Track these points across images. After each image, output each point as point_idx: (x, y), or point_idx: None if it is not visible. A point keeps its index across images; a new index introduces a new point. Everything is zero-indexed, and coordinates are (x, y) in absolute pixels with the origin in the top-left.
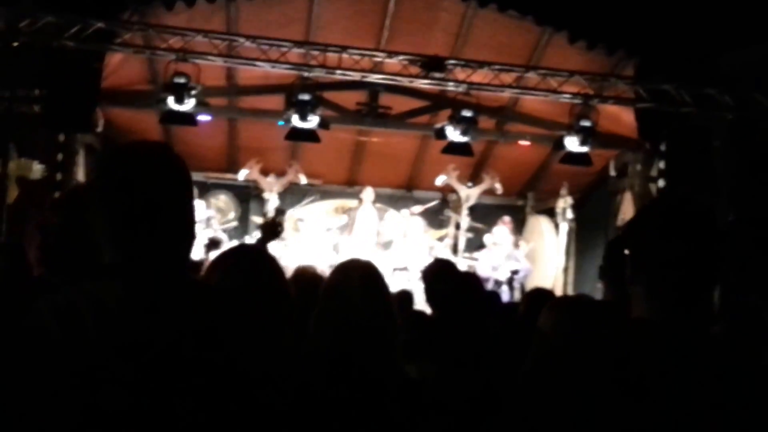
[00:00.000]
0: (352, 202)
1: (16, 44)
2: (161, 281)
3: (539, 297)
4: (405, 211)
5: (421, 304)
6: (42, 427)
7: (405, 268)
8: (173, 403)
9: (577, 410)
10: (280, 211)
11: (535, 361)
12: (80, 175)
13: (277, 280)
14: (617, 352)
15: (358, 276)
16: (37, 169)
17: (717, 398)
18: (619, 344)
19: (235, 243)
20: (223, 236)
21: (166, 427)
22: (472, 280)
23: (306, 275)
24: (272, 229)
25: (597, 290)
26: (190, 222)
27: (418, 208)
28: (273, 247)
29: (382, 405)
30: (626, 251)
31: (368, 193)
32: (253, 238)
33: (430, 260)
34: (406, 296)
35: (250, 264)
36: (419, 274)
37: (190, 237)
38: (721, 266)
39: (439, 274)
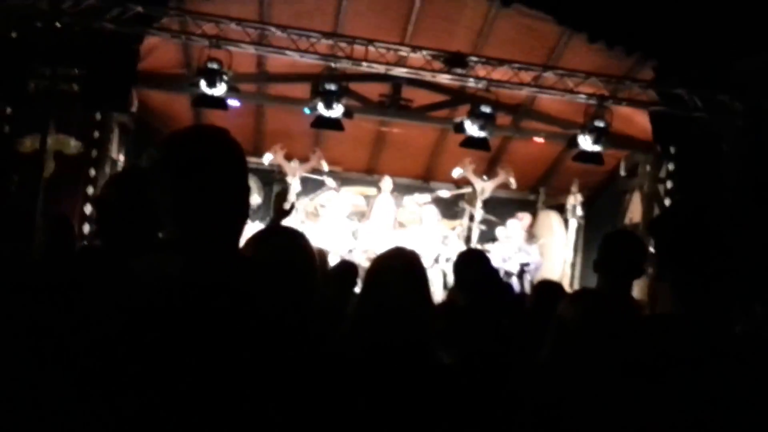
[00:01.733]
0: (370, 190)
1: (58, 25)
2: (219, 256)
3: (548, 289)
4: (418, 197)
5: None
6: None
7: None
8: (228, 371)
9: (599, 397)
10: (280, 194)
11: (555, 348)
12: (114, 152)
13: (310, 258)
14: (642, 344)
15: (401, 264)
16: (73, 145)
17: (738, 393)
18: (645, 337)
19: (257, 224)
20: None
21: (223, 395)
22: (495, 271)
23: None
24: (280, 209)
25: None
26: (245, 202)
27: (424, 198)
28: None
29: (417, 388)
30: (652, 249)
31: (387, 182)
32: None
33: (444, 249)
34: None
35: (288, 242)
36: (432, 262)
37: (244, 216)
38: (744, 267)
39: (469, 263)
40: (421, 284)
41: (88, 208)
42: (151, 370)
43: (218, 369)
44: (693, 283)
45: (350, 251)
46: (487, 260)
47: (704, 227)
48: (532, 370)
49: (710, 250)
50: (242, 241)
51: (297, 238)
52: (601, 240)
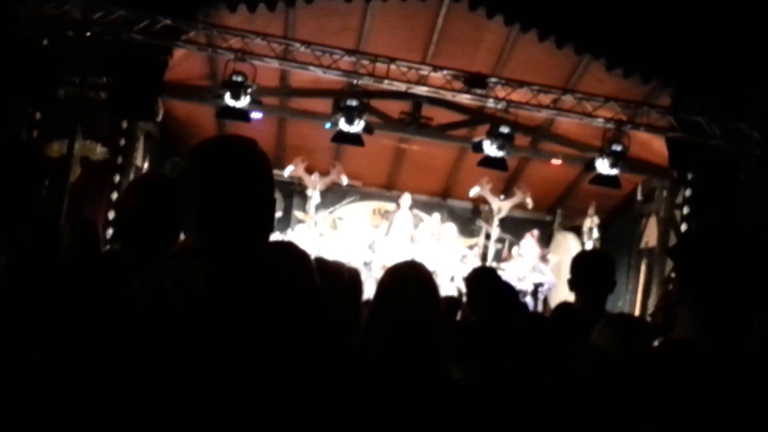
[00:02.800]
0: (389, 205)
1: (88, 34)
2: (243, 266)
3: (566, 311)
4: (438, 215)
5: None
6: (120, 390)
7: (435, 272)
8: (246, 381)
9: (629, 421)
10: None
11: (590, 373)
12: (139, 159)
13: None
14: (668, 369)
15: (413, 276)
16: (100, 151)
17: (757, 419)
18: (672, 363)
19: (277, 235)
20: None
21: (239, 402)
22: (510, 288)
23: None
24: None
25: (617, 308)
26: (270, 213)
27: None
28: (311, 242)
29: (426, 401)
30: (673, 274)
31: (406, 199)
32: (295, 231)
33: (461, 266)
34: (452, 302)
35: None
36: (449, 279)
37: (270, 227)
38: (761, 292)
39: (481, 281)
40: (432, 297)
41: (111, 214)
42: (173, 377)
43: (238, 377)
44: (713, 309)
45: (366, 264)
46: (497, 278)
47: (727, 254)
48: (565, 394)
49: (732, 276)
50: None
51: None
52: (573, 260)
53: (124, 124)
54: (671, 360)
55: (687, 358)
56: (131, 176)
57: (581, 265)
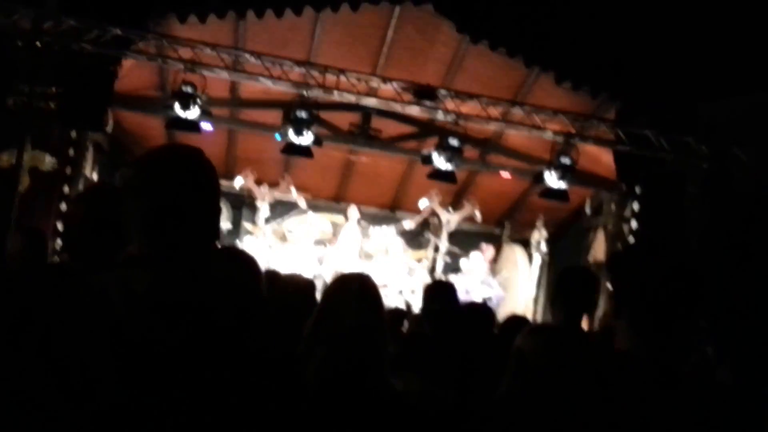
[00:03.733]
0: (338, 218)
1: (39, 44)
2: (186, 275)
3: (515, 324)
4: (387, 228)
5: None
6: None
7: (385, 285)
8: (185, 390)
9: (553, 426)
10: None
11: (514, 380)
12: (88, 170)
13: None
14: (596, 379)
15: (356, 287)
16: (48, 161)
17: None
18: (600, 373)
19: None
20: None
21: (178, 409)
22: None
23: (298, 282)
24: None
25: None
26: (215, 222)
27: (391, 230)
28: (260, 254)
29: (368, 411)
30: (610, 287)
31: (353, 211)
32: (244, 243)
33: (408, 279)
34: (397, 314)
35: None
36: (398, 292)
37: (215, 237)
38: (696, 306)
39: (436, 295)
40: (376, 308)
41: (60, 224)
42: (115, 384)
43: (179, 386)
44: (648, 323)
45: (315, 277)
46: (454, 291)
47: (661, 268)
48: (491, 403)
49: (666, 291)
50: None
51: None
52: (556, 276)
53: (74, 135)
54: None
55: (621, 371)
56: (80, 187)
57: (563, 281)
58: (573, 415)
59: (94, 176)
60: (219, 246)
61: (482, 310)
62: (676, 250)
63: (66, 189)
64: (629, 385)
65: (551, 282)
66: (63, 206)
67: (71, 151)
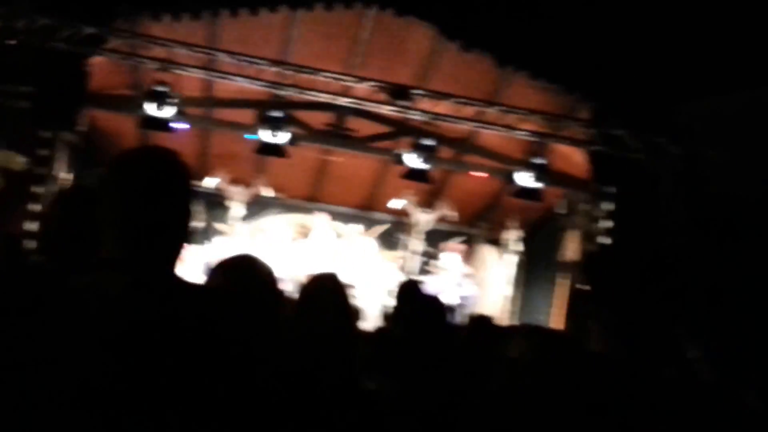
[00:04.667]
0: (311, 218)
1: (11, 42)
2: (158, 277)
3: (481, 323)
4: (358, 227)
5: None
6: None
7: (356, 285)
8: (157, 392)
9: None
10: None
11: (502, 384)
12: (60, 170)
13: (270, 285)
14: (576, 382)
15: (328, 287)
16: (20, 161)
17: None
18: (581, 376)
19: (197, 247)
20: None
21: (152, 410)
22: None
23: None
24: None
25: (539, 321)
26: (186, 225)
27: (362, 229)
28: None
29: (339, 412)
30: (585, 289)
31: (322, 218)
32: (215, 243)
33: (382, 280)
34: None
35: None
36: (370, 292)
37: (185, 238)
38: (673, 308)
39: (407, 295)
40: (344, 308)
41: (32, 225)
42: (88, 388)
43: (153, 389)
44: (624, 324)
45: (288, 278)
46: (422, 293)
47: (637, 269)
48: (480, 405)
49: (641, 291)
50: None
51: (256, 267)
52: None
53: (46, 134)
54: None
55: (597, 372)
56: (53, 187)
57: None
58: (552, 417)
59: (67, 176)
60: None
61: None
62: (651, 250)
63: (38, 189)
64: (605, 386)
65: (524, 281)
66: (35, 207)
67: (44, 151)
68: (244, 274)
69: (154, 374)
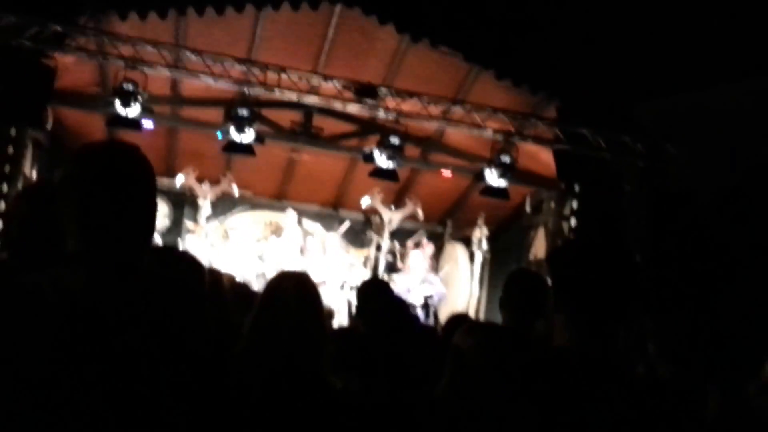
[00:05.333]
0: (280, 216)
1: None
2: (122, 271)
3: (458, 322)
4: (328, 226)
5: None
6: None
7: (323, 283)
8: (123, 386)
9: (492, 424)
10: None
11: (451, 378)
12: (27, 168)
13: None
14: (533, 375)
15: (294, 285)
16: None
17: (619, 421)
18: (536, 369)
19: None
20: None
21: (113, 410)
22: (400, 302)
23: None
24: None
25: None
26: (151, 218)
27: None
28: (202, 252)
29: (307, 410)
30: (549, 283)
31: (291, 213)
32: (185, 241)
33: (349, 276)
34: (328, 313)
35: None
36: (337, 289)
37: (150, 232)
38: (634, 301)
39: (371, 294)
40: (314, 306)
41: None
42: (47, 382)
43: (114, 385)
44: (584, 317)
45: (258, 275)
46: (389, 290)
47: (596, 264)
48: (430, 401)
49: (603, 286)
50: None
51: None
52: (506, 278)
53: (13, 132)
54: (541, 366)
55: (557, 365)
56: (19, 185)
57: (511, 283)
58: (509, 412)
59: (34, 174)
60: (161, 246)
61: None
62: (613, 246)
63: (4, 188)
64: (566, 380)
65: (492, 280)
66: (1, 205)
67: (10, 149)
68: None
69: (113, 369)
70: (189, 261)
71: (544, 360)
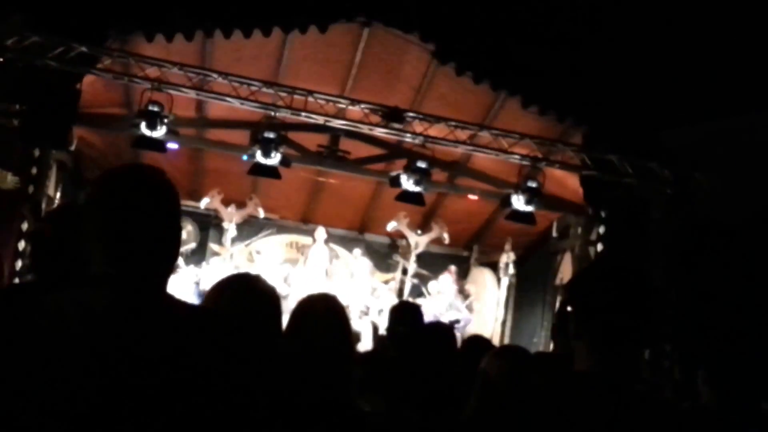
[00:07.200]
0: (305, 239)
1: (2, 60)
2: (145, 294)
3: (476, 344)
4: (356, 251)
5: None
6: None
7: (347, 307)
8: (139, 410)
9: None
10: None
11: (479, 403)
12: (51, 189)
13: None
14: (559, 400)
15: (323, 308)
16: (11, 180)
17: None
18: (562, 394)
19: (192, 268)
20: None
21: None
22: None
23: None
24: None
25: (533, 344)
26: (175, 243)
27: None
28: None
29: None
30: (570, 309)
31: (321, 232)
32: (210, 264)
33: (374, 301)
34: (355, 336)
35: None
36: (360, 313)
37: (174, 256)
38: (656, 326)
39: (402, 316)
40: (342, 329)
41: (21, 244)
42: (67, 401)
43: (132, 407)
44: (607, 344)
45: (282, 297)
46: (419, 314)
47: (619, 290)
48: (457, 425)
49: (624, 312)
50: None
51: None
52: (558, 306)
53: (37, 153)
54: (564, 392)
55: (581, 391)
56: (43, 206)
57: (564, 312)
58: None
59: (58, 195)
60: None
61: (444, 330)
62: (635, 271)
63: (29, 208)
64: (587, 405)
65: (518, 305)
66: (24, 226)
67: (34, 170)
68: (244, 294)
69: (135, 392)
70: (260, 291)
71: (571, 385)
